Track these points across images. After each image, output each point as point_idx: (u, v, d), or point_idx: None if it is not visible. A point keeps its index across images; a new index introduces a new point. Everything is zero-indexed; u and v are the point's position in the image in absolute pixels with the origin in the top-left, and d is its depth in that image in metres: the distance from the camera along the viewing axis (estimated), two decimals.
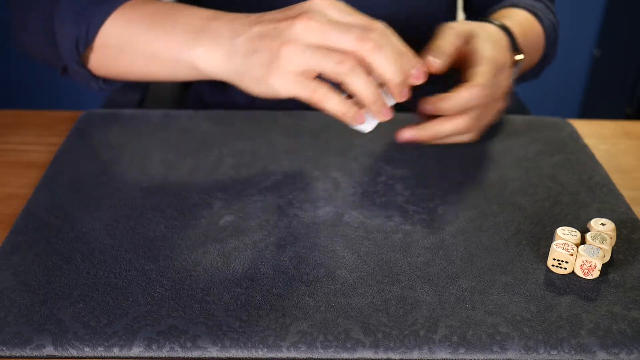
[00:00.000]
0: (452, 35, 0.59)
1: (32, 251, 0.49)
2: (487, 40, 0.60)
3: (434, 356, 0.42)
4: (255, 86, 0.52)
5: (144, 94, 0.92)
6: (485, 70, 0.58)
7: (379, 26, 0.51)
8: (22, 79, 1.86)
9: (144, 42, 0.58)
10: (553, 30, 0.77)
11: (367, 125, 0.54)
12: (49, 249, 0.49)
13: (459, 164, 0.62)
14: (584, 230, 0.52)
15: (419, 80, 0.52)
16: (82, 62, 0.61)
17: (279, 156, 0.63)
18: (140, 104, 0.91)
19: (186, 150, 0.63)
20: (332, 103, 0.51)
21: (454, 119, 0.59)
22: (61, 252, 0.49)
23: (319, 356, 0.42)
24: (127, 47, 0.59)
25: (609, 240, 0.50)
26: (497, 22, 0.64)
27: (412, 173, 0.60)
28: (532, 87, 0.98)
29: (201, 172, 0.60)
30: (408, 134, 0.59)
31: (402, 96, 0.53)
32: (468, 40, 0.60)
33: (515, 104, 0.96)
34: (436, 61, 0.57)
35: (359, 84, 0.50)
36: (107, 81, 0.64)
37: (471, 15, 0.87)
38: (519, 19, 0.71)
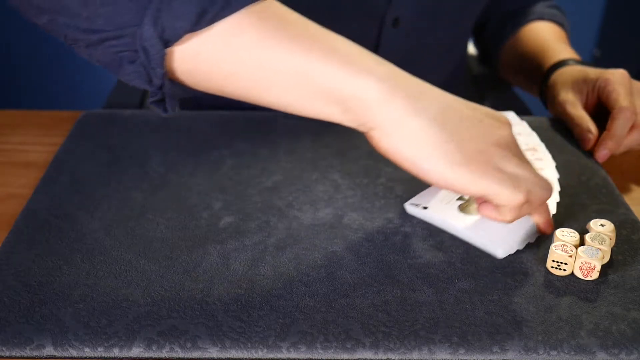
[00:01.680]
0: (576, 101, 0.68)
1: (32, 251, 0.49)
2: (595, 73, 0.68)
3: (434, 356, 0.42)
4: (444, 163, 0.44)
5: (144, 94, 0.92)
6: (622, 93, 0.65)
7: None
8: (22, 79, 1.86)
9: (306, 48, 0.43)
10: (569, 32, 0.87)
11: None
12: (49, 249, 0.49)
13: None
14: (583, 232, 0.52)
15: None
16: (170, 49, 0.43)
17: (279, 157, 0.63)
18: (141, 105, 0.91)
19: (186, 151, 0.63)
20: (523, 210, 0.47)
21: (633, 132, 0.64)
22: (61, 253, 0.49)
23: (319, 357, 0.42)
24: (268, 48, 0.43)
25: (608, 241, 0.50)
26: (571, 62, 0.73)
27: (412, 175, 0.60)
28: None
29: (201, 173, 0.60)
30: (603, 152, 0.63)
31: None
32: (582, 88, 0.69)
33: (515, 104, 0.96)
34: (592, 135, 0.65)
35: None
36: (174, 88, 0.47)
37: (491, 20, 0.93)
38: (559, 36, 0.81)
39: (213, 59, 0.44)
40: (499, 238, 0.50)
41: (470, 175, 0.43)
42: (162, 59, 0.43)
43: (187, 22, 0.42)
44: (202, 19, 0.42)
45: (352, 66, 0.43)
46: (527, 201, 0.45)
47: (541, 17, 0.85)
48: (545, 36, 0.81)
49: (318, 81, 0.43)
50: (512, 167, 0.45)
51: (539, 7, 0.86)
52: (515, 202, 0.45)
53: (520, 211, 0.46)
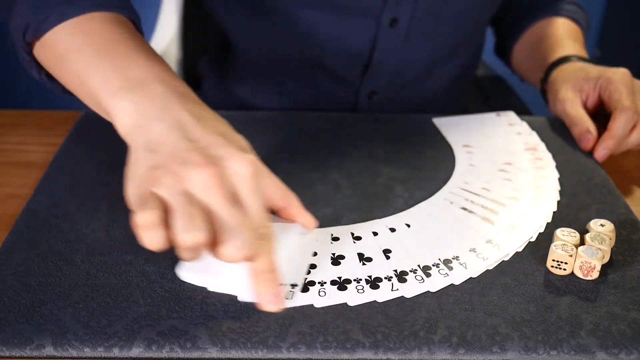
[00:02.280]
0: (576, 99, 0.68)
1: (32, 251, 0.49)
2: (596, 71, 0.68)
3: (434, 357, 0.42)
4: (127, 173, 0.45)
5: None
6: (625, 93, 0.64)
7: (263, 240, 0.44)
8: (22, 79, 1.86)
9: (83, 65, 0.50)
10: (587, 28, 0.86)
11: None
12: (49, 249, 0.49)
13: (458, 164, 0.62)
14: (583, 231, 0.52)
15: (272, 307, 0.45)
16: (30, 48, 0.55)
17: (278, 157, 0.63)
18: None
19: None
20: (149, 236, 0.42)
21: (634, 132, 0.64)
22: (61, 253, 0.49)
23: (319, 357, 0.42)
24: (69, 60, 0.51)
25: (608, 241, 0.50)
26: (574, 58, 0.74)
27: (411, 174, 0.61)
28: (533, 88, 0.98)
29: None
30: (603, 152, 0.64)
31: None
32: (582, 87, 0.68)
33: (516, 104, 0.96)
34: (591, 135, 0.64)
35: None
36: (51, 78, 0.56)
37: (506, 15, 0.93)
38: (571, 33, 0.81)
39: (46, 64, 0.55)
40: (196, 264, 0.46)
41: (131, 192, 0.43)
42: (26, 59, 0.56)
43: (20, 33, 0.54)
44: (27, 32, 0.53)
45: (108, 86, 0.48)
46: (174, 243, 0.42)
47: (556, 13, 0.84)
48: (555, 33, 0.81)
49: (91, 93, 0.50)
50: (168, 195, 0.42)
51: (558, 3, 0.85)
52: (136, 226, 0.41)
53: (156, 236, 0.41)
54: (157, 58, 0.51)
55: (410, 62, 0.79)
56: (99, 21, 0.52)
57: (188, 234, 0.41)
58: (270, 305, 0.44)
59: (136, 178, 0.44)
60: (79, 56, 0.50)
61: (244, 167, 0.44)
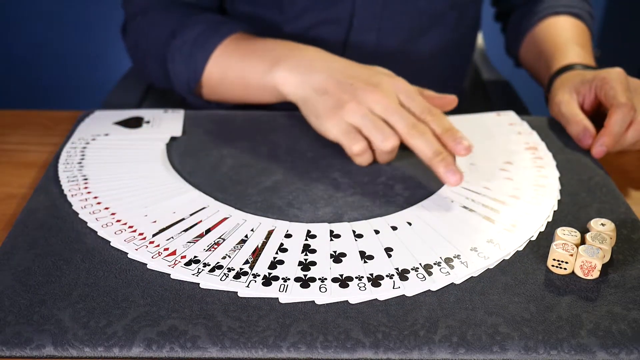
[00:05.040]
0: (572, 100, 0.68)
1: (32, 251, 0.49)
2: (591, 74, 0.68)
3: (434, 356, 0.42)
4: (313, 119, 0.62)
5: (143, 94, 0.92)
6: (620, 90, 0.64)
7: (434, 115, 0.59)
8: (22, 79, 1.86)
9: (238, 71, 0.69)
10: (590, 18, 0.85)
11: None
12: (49, 249, 0.49)
13: (458, 164, 0.62)
14: (583, 231, 0.52)
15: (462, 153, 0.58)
16: (195, 93, 0.74)
17: (279, 157, 0.63)
18: (140, 104, 0.91)
19: (186, 151, 0.63)
20: (363, 158, 0.61)
21: (630, 129, 0.63)
22: (61, 252, 0.49)
23: (319, 356, 0.42)
24: (226, 78, 0.70)
25: (608, 240, 0.50)
26: (578, 66, 0.72)
27: (412, 174, 0.61)
28: (532, 87, 0.98)
29: (201, 173, 0.60)
30: (600, 149, 0.63)
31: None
32: (579, 90, 0.68)
33: (516, 104, 0.96)
34: (588, 132, 0.64)
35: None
36: (219, 104, 0.76)
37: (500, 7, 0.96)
38: (570, 34, 0.80)
39: (209, 94, 0.74)
40: None
41: (326, 125, 0.60)
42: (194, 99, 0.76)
43: (184, 88, 0.74)
44: (190, 84, 0.73)
45: (261, 71, 0.67)
46: (378, 150, 0.61)
47: (556, 12, 0.83)
48: (558, 37, 0.80)
49: (257, 80, 0.68)
50: (359, 121, 0.59)
51: None
52: (352, 155, 0.61)
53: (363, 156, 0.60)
54: (289, 42, 0.68)
55: (393, 28, 0.81)
56: (224, 48, 0.70)
57: (386, 142, 0.58)
58: (451, 178, 0.55)
59: (326, 119, 0.60)
60: (229, 73, 0.70)
61: (399, 82, 0.61)
